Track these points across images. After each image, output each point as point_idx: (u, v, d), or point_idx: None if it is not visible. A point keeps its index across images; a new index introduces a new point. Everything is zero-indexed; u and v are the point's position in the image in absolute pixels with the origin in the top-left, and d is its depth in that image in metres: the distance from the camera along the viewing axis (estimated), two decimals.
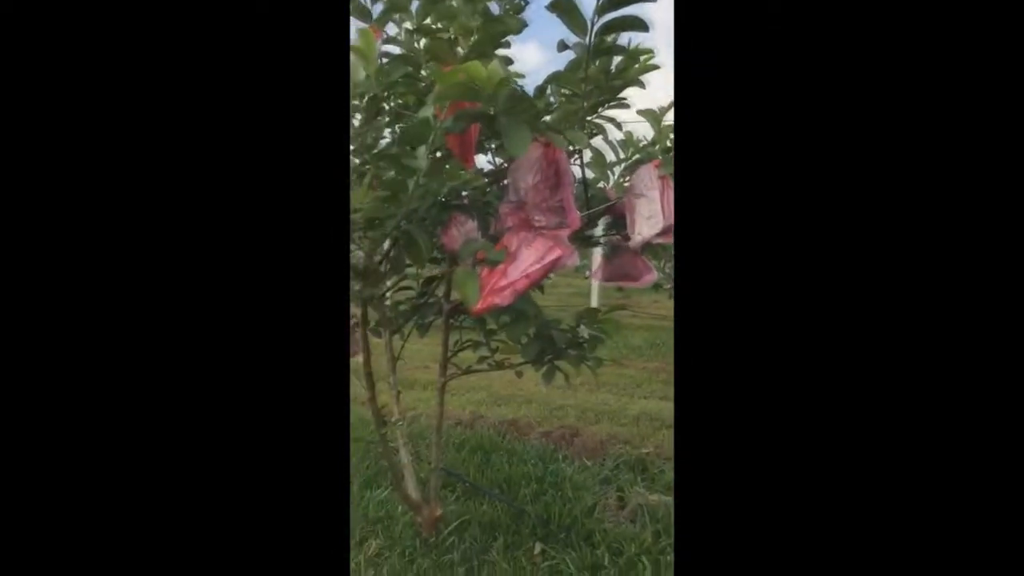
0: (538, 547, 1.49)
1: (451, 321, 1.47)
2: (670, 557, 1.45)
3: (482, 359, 1.47)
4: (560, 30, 0.89)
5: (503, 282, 0.90)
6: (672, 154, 1.00)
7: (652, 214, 0.95)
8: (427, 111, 0.76)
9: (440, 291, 1.49)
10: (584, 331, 1.34)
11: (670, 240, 0.95)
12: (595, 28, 0.86)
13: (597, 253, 1.47)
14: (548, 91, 1.11)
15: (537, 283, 0.93)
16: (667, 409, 2.95)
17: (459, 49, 0.99)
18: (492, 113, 0.78)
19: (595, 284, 5.41)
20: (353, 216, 0.99)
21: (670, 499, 1.76)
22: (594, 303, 5.56)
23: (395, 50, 1.10)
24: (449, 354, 1.49)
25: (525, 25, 0.88)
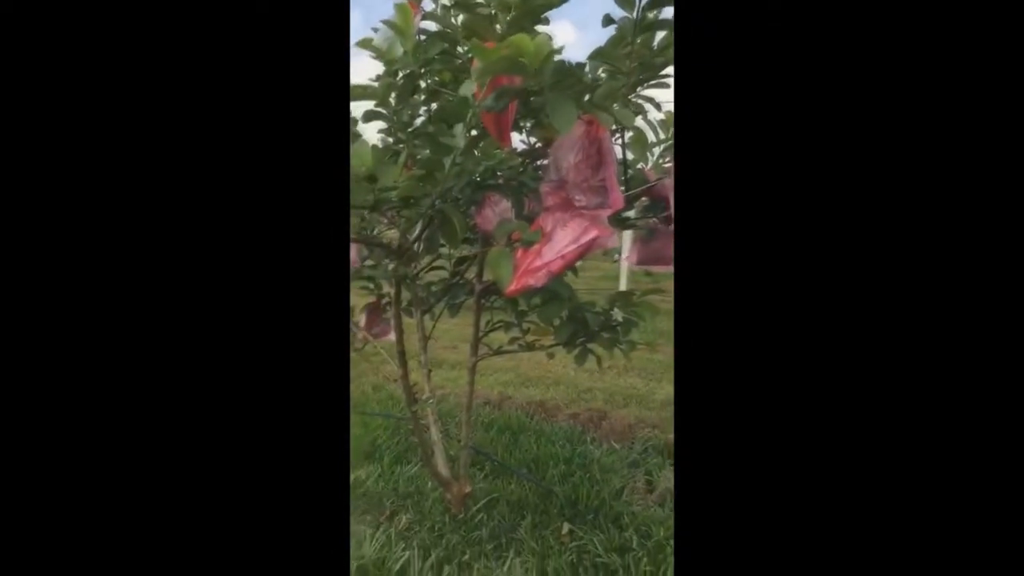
0: (566, 527, 1.50)
1: (482, 302, 1.47)
2: None
3: (513, 340, 1.47)
4: (595, 7, 0.86)
5: (538, 263, 0.89)
6: None
7: None
8: (468, 88, 0.75)
9: (472, 272, 1.49)
10: (618, 314, 1.32)
11: None
12: (642, 2, 0.83)
13: (627, 236, 1.44)
14: (587, 69, 1.08)
15: (572, 264, 0.92)
16: None
17: (496, 26, 0.97)
18: (535, 89, 0.77)
19: (624, 268, 5.35)
20: (389, 195, 0.99)
21: None
22: (623, 287, 5.51)
23: (432, 27, 1.08)
24: (480, 334, 1.49)
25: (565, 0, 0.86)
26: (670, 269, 1.25)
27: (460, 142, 0.83)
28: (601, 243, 0.89)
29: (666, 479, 1.81)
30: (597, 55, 0.90)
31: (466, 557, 1.36)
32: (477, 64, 0.75)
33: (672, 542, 1.43)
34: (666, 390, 3.03)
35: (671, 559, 1.38)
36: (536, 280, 0.89)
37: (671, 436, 2.21)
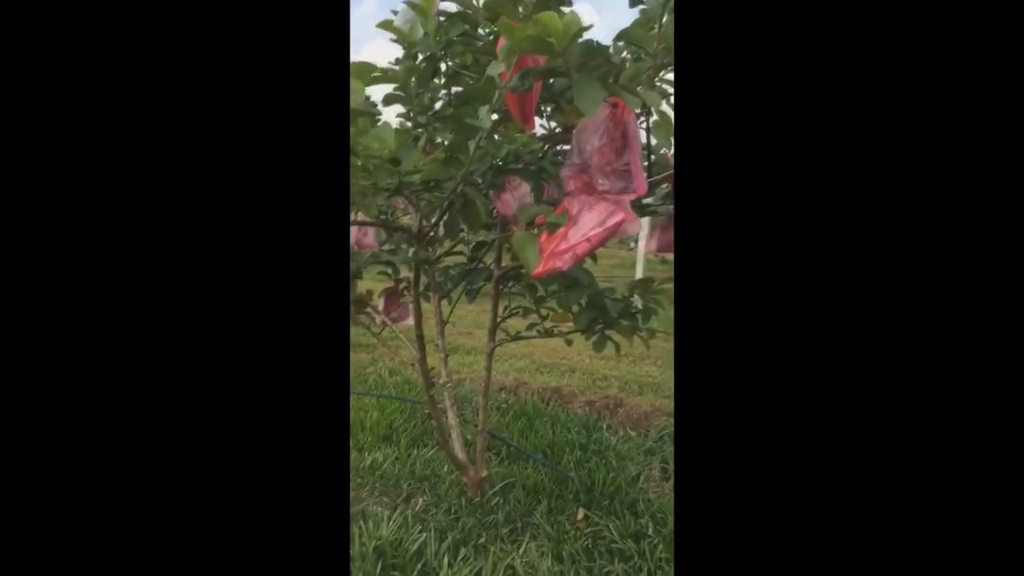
0: (581, 512, 1.50)
1: (500, 287, 1.46)
2: None
3: (531, 326, 1.47)
4: None
5: (563, 246, 0.88)
6: None
7: None
8: (495, 68, 0.74)
9: (490, 257, 1.49)
10: (638, 301, 1.31)
11: None
12: None
13: (645, 223, 1.42)
14: (611, 50, 1.07)
15: (597, 247, 0.91)
16: None
17: (519, 7, 0.95)
18: (562, 70, 0.75)
19: (640, 256, 5.31)
20: (412, 178, 0.99)
21: None
22: (639, 275, 5.47)
23: (452, 7, 1.07)
24: (498, 320, 1.49)
25: None
26: None
27: (486, 123, 0.82)
28: (627, 228, 0.88)
29: None
30: (623, 36, 0.88)
31: (482, 540, 1.37)
32: (503, 43, 0.74)
33: None
34: None
35: None
36: (563, 263, 0.89)
37: None
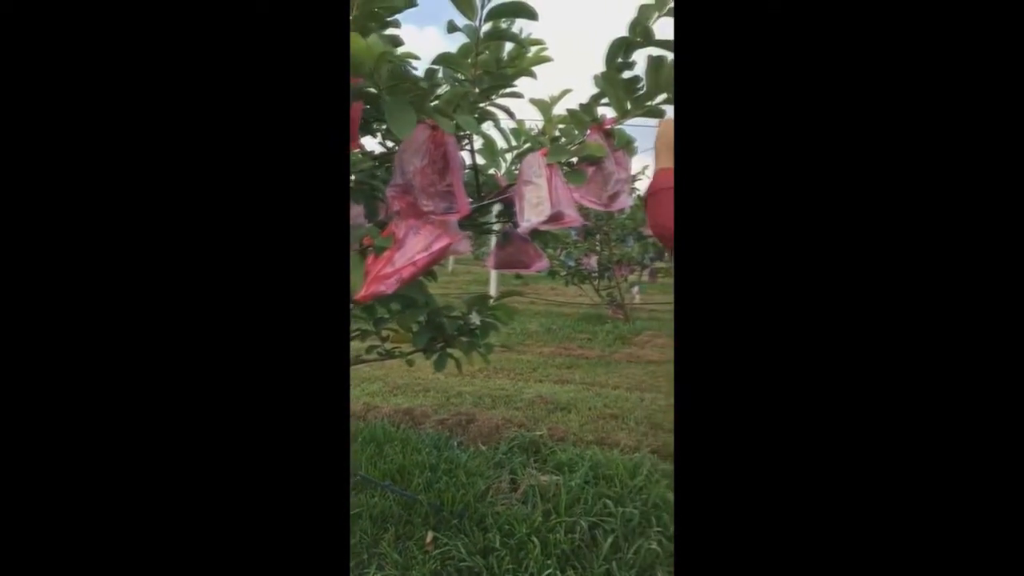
0: (430, 535, 1.48)
1: None
2: (559, 535, 1.50)
3: (371, 348, 1.42)
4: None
5: (388, 269, 0.87)
6: (560, 143, 1.02)
7: (539, 201, 0.96)
8: None
9: None
10: (476, 317, 1.34)
11: (556, 227, 0.97)
12: (484, 12, 0.85)
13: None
14: (440, 74, 1.08)
15: (423, 271, 0.91)
16: (561, 392, 3.05)
17: None
18: (375, 92, 0.75)
19: (494, 272, 5.46)
20: None
21: (559, 478, 1.83)
22: (493, 291, 5.61)
23: None
24: None
25: (412, 4, 0.85)
26: (530, 271, 1.29)
27: None
28: (452, 249, 0.89)
29: (530, 476, 1.87)
30: (441, 60, 0.90)
31: None
32: None
33: (534, 538, 1.48)
34: (534, 389, 3.13)
35: (533, 554, 1.42)
36: (386, 287, 0.87)
37: (537, 433, 2.28)
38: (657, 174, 0.84)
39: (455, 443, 2.15)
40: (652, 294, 6.80)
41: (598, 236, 5.88)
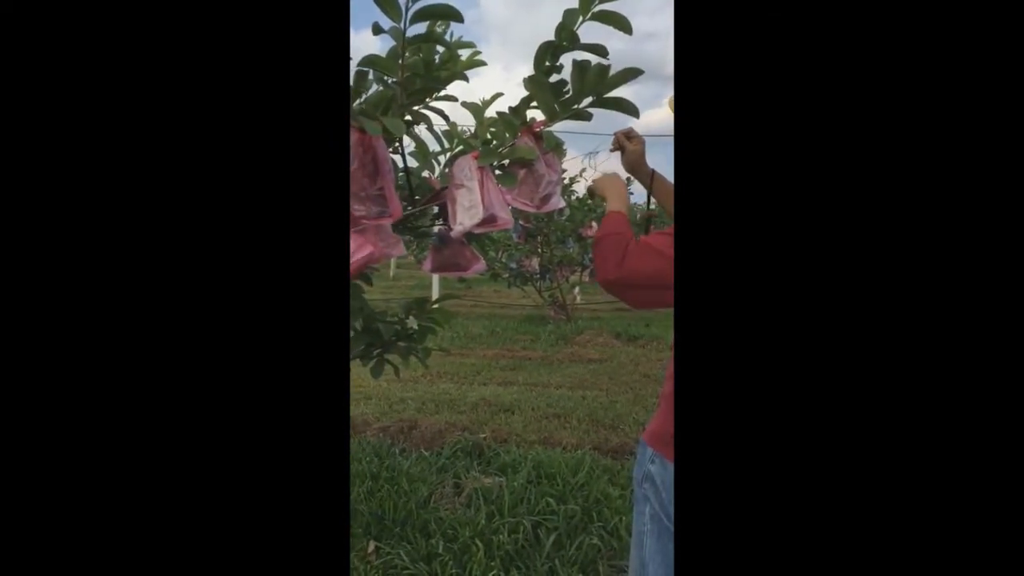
0: (371, 545, 1.45)
1: None
2: (503, 536, 1.51)
3: None
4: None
5: None
6: (491, 146, 1.02)
7: (472, 204, 0.96)
8: None
9: None
10: (413, 322, 1.32)
11: (490, 230, 0.97)
12: (409, 14, 0.84)
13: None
14: (371, 77, 1.07)
15: (351, 279, 0.90)
16: (504, 394, 3.06)
17: None
18: None
19: (436, 276, 5.41)
20: None
21: (503, 479, 1.83)
22: (435, 294, 5.56)
23: None
24: None
25: None
26: (467, 274, 1.29)
27: None
28: (381, 255, 0.88)
29: (473, 479, 1.86)
30: (367, 62, 0.89)
31: None
32: None
33: (477, 541, 1.48)
34: (477, 392, 3.12)
35: (477, 557, 1.42)
36: None
37: (480, 436, 2.28)
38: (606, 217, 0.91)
39: (397, 450, 2.12)
40: (593, 294, 6.94)
41: (539, 238, 5.95)
